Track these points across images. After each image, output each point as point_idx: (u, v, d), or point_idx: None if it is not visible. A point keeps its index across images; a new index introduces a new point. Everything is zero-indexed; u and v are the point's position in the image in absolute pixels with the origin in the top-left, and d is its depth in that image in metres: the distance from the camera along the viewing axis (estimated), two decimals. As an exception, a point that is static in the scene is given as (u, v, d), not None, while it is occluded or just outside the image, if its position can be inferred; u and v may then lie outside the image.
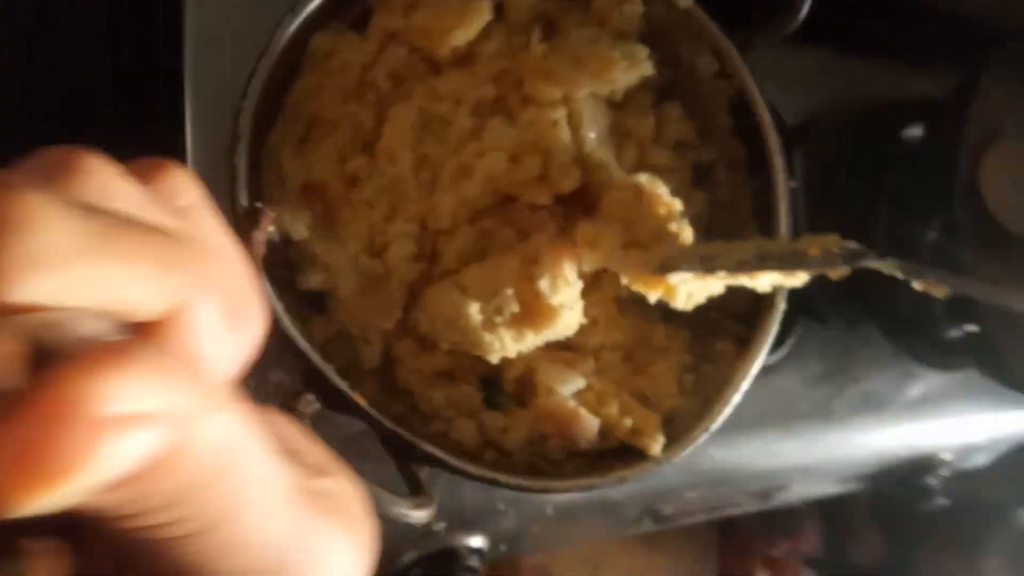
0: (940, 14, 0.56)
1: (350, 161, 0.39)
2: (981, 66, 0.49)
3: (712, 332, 0.43)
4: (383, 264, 0.38)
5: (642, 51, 0.41)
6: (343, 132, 0.39)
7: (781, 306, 0.41)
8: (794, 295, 0.41)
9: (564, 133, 0.39)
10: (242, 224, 0.35)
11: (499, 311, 0.37)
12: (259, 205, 0.35)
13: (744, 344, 0.41)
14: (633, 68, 0.41)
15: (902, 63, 0.57)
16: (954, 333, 0.51)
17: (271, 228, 0.36)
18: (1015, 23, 0.52)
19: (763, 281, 0.38)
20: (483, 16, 0.39)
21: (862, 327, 0.57)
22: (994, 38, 0.50)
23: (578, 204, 0.40)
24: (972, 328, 0.50)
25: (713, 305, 0.40)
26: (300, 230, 0.38)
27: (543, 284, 0.37)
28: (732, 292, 0.40)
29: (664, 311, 0.40)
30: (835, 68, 0.57)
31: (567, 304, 0.38)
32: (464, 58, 0.40)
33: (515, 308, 0.37)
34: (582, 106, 0.40)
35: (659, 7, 0.42)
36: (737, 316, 0.43)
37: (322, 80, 0.39)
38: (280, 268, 0.38)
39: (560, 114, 0.40)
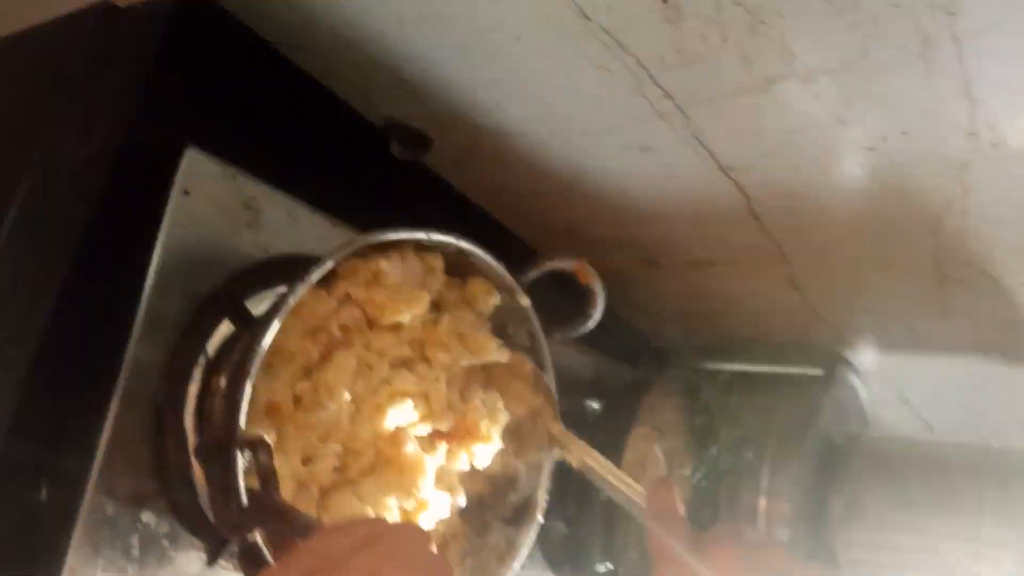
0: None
1: (297, 386, 0.49)
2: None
3: (487, 530, 0.62)
4: (309, 472, 0.49)
5: (498, 341, 0.59)
6: (296, 362, 0.49)
7: (539, 519, 0.62)
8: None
9: (443, 386, 0.56)
10: (242, 446, 0.43)
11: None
12: (258, 440, 0.43)
13: (511, 544, 0.61)
14: (496, 351, 0.58)
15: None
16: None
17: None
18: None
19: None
20: (424, 305, 0.53)
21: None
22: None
23: (452, 436, 0.56)
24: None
25: (487, 506, 0.59)
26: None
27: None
28: (504, 498, 0.60)
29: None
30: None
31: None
32: (393, 324, 0.54)
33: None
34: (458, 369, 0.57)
35: (507, 299, 0.61)
36: (506, 519, 0.62)
37: (291, 321, 0.49)
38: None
39: (445, 375, 0.56)
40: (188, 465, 0.52)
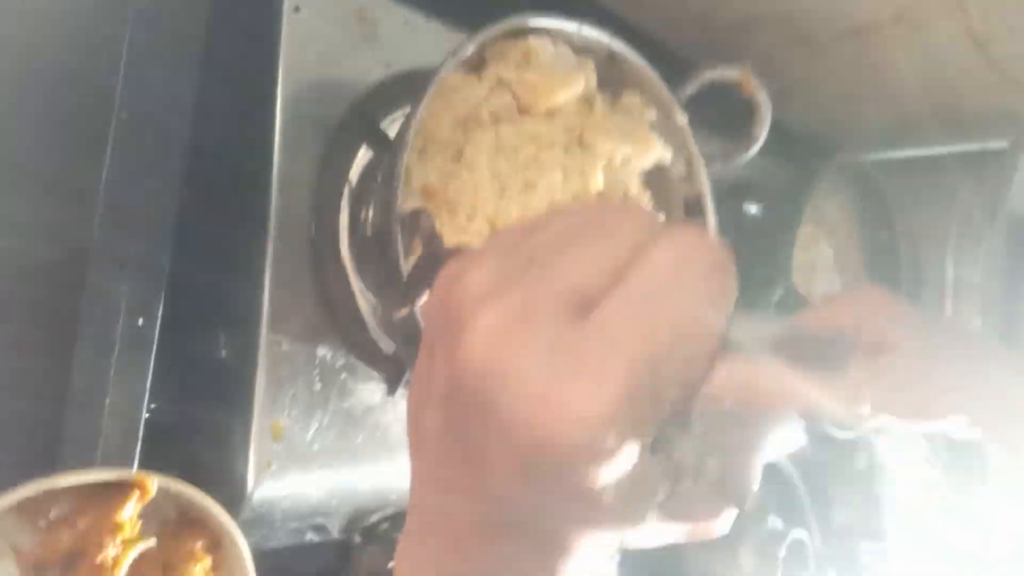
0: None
1: (446, 168, 0.46)
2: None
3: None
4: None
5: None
6: (448, 150, 0.46)
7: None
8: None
9: (599, 175, 0.50)
10: (406, 223, 0.40)
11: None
12: (420, 208, 0.40)
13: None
14: (660, 149, 0.52)
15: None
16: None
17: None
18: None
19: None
20: (579, 85, 0.47)
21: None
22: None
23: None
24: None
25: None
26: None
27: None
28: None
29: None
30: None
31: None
32: (547, 111, 0.48)
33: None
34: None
35: (662, 117, 0.53)
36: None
37: (441, 108, 0.45)
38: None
39: (603, 162, 0.50)
40: (352, 295, 0.50)
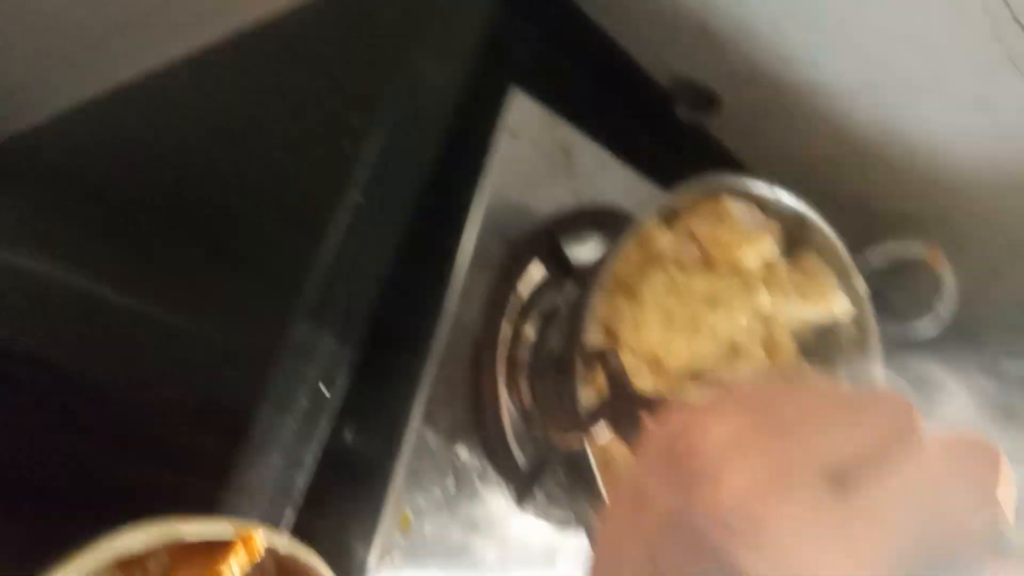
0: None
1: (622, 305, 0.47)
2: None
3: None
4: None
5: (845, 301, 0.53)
6: (626, 287, 0.48)
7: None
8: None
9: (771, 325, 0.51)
10: (589, 357, 0.42)
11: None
12: (608, 348, 0.42)
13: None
14: (840, 303, 0.53)
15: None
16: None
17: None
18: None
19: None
20: (766, 247, 0.50)
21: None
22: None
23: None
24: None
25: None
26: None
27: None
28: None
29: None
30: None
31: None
32: (731, 265, 0.50)
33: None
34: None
35: (841, 280, 0.55)
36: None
37: (631, 251, 0.47)
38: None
39: (777, 314, 0.51)
40: (499, 404, 0.51)
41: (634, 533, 0.27)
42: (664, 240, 0.48)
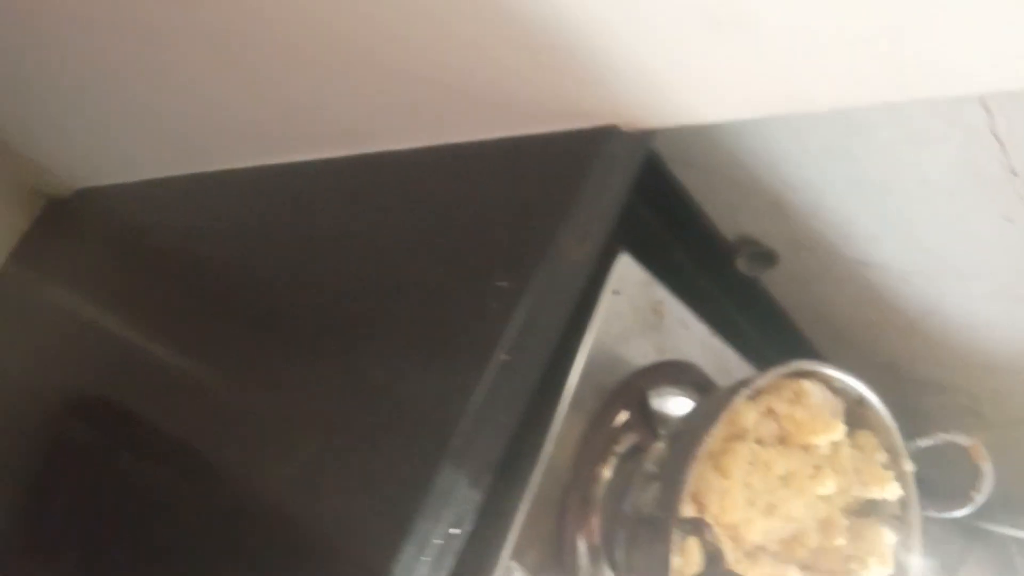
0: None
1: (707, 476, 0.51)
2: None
3: None
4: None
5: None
6: (712, 458, 0.52)
7: None
8: None
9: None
10: (687, 529, 0.45)
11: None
12: (703, 520, 0.46)
13: None
14: (891, 490, 0.58)
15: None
16: None
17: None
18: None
19: None
20: (839, 431, 0.54)
21: None
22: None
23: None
24: None
25: None
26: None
27: None
28: None
29: None
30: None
31: None
32: (803, 445, 0.55)
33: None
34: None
35: (890, 460, 0.60)
36: None
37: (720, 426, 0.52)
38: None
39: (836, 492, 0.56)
40: (575, 548, 0.55)
41: None
42: (751, 417, 0.53)
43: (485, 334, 0.46)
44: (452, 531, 0.44)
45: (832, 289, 0.78)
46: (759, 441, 0.54)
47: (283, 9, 0.56)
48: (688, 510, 0.50)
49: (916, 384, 0.84)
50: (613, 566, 0.55)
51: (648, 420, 0.57)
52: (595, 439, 0.56)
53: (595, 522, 0.56)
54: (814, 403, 0.54)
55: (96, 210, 1.05)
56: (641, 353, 0.59)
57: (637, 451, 0.58)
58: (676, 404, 0.61)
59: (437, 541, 0.43)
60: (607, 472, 0.57)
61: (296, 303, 0.62)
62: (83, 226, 1.05)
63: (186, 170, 0.89)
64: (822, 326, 0.83)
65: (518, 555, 0.52)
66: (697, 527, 0.46)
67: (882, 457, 0.59)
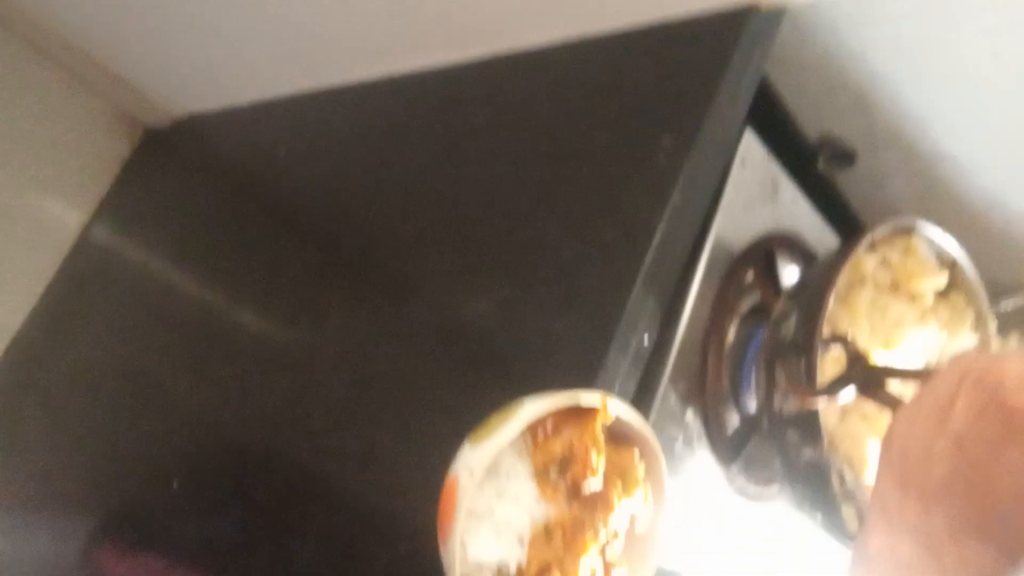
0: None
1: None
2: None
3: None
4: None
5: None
6: (843, 301, 0.60)
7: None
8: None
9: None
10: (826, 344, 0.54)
11: None
12: (844, 336, 0.54)
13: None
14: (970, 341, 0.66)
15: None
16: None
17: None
18: None
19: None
20: (943, 281, 0.63)
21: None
22: None
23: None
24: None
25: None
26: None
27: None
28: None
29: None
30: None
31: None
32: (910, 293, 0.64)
33: None
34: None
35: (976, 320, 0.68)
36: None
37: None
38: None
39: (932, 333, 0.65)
40: (721, 378, 0.63)
41: (940, 428, 0.39)
42: (870, 264, 0.61)
43: (660, 180, 0.54)
44: (644, 339, 0.52)
45: (903, 185, 0.86)
46: (876, 286, 0.62)
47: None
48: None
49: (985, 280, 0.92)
50: (737, 400, 0.64)
51: (773, 277, 0.65)
52: (723, 294, 0.64)
53: (726, 363, 0.64)
54: (922, 255, 0.62)
55: (198, 138, 1.10)
56: (761, 222, 0.67)
57: (759, 309, 0.66)
58: (788, 272, 0.69)
59: (633, 347, 0.52)
60: (736, 322, 0.66)
61: (460, 192, 0.69)
62: (186, 155, 1.10)
63: (299, 88, 0.95)
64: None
65: (672, 383, 0.61)
66: (837, 339, 0.55)
67: (971, 316, 0.68)
